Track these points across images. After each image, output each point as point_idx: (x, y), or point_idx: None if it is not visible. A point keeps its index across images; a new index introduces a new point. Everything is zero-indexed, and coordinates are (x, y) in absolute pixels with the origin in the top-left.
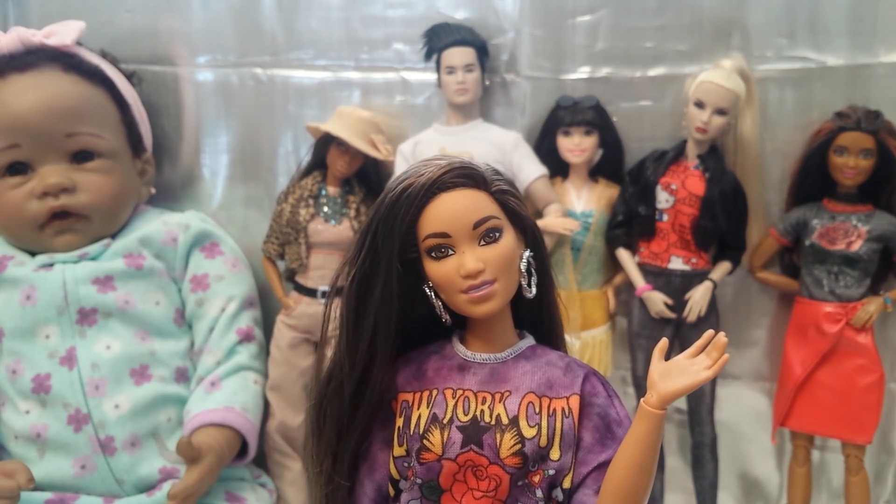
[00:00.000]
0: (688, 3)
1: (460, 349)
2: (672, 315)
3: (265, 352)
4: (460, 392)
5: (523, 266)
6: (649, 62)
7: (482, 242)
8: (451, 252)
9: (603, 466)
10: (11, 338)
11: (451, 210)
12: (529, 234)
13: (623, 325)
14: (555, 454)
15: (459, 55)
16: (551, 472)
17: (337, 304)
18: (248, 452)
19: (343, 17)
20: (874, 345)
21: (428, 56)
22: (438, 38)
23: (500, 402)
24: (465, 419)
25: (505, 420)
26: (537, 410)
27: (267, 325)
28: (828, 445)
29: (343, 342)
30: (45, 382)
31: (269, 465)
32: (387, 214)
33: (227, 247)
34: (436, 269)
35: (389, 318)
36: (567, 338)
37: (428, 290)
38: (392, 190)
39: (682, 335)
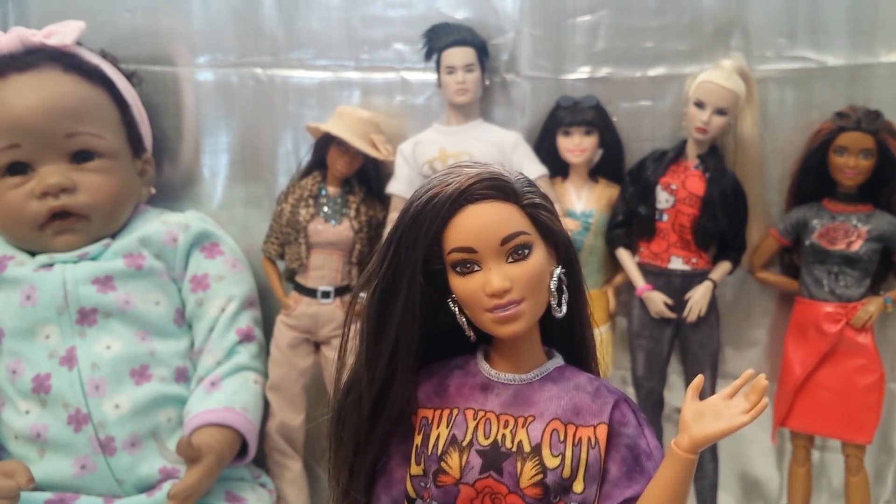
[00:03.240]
0: (688, 3)
1: (484, 367)
2: (672, 315)
3: (265, 352)
4: (482, 413)
5: (553, 284)
6: (649, 62)
7: (510, 259)
8: (476, 268)
9: (629, 502)
10: (11, 338)
11: (478, 224)
12: (562, 250)
13: (623, 325)
14: (578, 486)
15: (459, 55)
16: None
17: (356, 313)
18: (248, 452)
19: (343, 17)
20: (874, 345)
21: (428, 56)
22: (438, 38)
23: (522, 427)
24: (486, 443)
25: (527, 448)
26: (562, 439)
27: (267, 325)
28: (828, 445)
29: (363, 355)
30: (45, 382)
31: (269, 465)
32: (411, 225)
33: (227, 247)
34: (460, 285)
35: (411, 331)
36: None
37: (452, 305)
38: (417, 199)
39: (682, 335)
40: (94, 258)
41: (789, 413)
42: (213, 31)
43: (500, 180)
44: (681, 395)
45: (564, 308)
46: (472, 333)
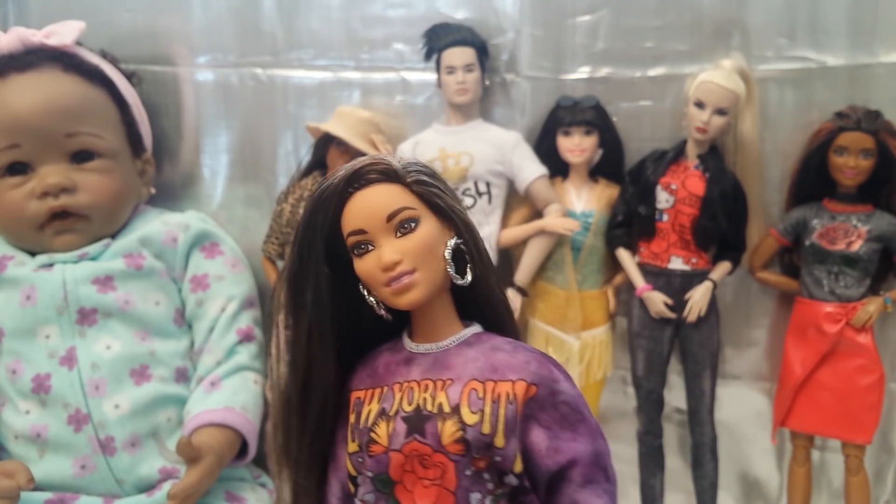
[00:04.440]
0: (688, 3)
1: (407, 342)
2: (672, 315)
3: (265, 352)
4: (406, 384)
5: (447, 254)
6: (649, 62)
7: (398, 234)
8: (371, 247)
9: (584, 458)
10: (11, 338)
11: (365, 205)
12: (457, 223)
13: (623, 325)
14: (499, 441)
15: (459, 55)
16: (497, 459)
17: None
18: (248, 452)
19: (343, 17)
20: (874, 345)
21: (428, 56)
22: (438, 38)
23: (442, 389)
24: (409, 409)
25: (447, 408)
26: (480, 395)
27: (267, 325)
28: (828, 445)
29: (284, 348)
30: (45, 382)
31: (269, 465)
32: (308, 218)
33: (227, 247)
34: (360, 266)
35: (322, 320)
36: (567, 337)
37: (362, 289)
38: (313, 195)
39: (682, 335)
40: (94, 258)
41: (789, 413)
42: (213, 31)
43: (382, 164)
44: (681, 395)
45: (469, 277)
46: (383, 312)
